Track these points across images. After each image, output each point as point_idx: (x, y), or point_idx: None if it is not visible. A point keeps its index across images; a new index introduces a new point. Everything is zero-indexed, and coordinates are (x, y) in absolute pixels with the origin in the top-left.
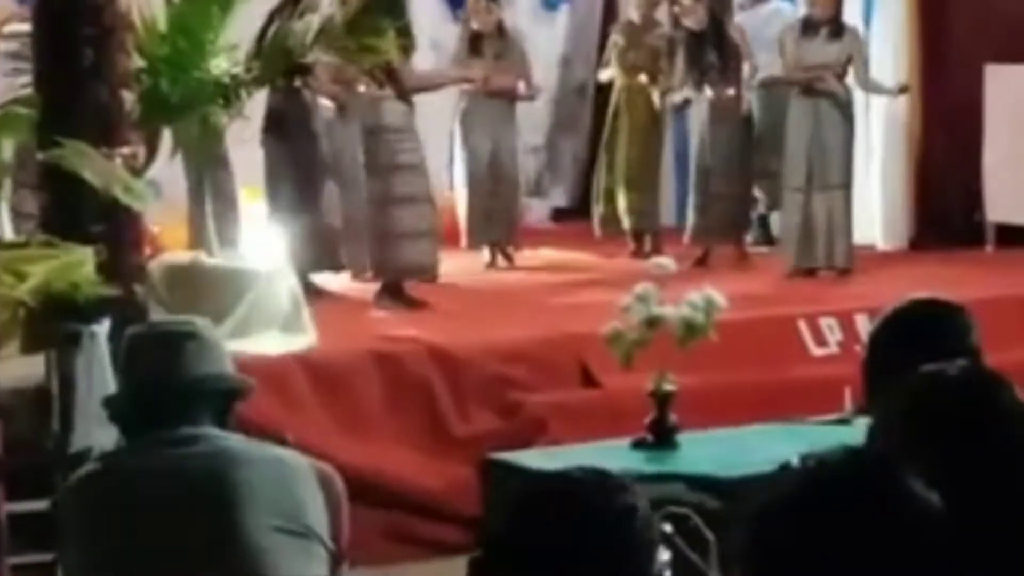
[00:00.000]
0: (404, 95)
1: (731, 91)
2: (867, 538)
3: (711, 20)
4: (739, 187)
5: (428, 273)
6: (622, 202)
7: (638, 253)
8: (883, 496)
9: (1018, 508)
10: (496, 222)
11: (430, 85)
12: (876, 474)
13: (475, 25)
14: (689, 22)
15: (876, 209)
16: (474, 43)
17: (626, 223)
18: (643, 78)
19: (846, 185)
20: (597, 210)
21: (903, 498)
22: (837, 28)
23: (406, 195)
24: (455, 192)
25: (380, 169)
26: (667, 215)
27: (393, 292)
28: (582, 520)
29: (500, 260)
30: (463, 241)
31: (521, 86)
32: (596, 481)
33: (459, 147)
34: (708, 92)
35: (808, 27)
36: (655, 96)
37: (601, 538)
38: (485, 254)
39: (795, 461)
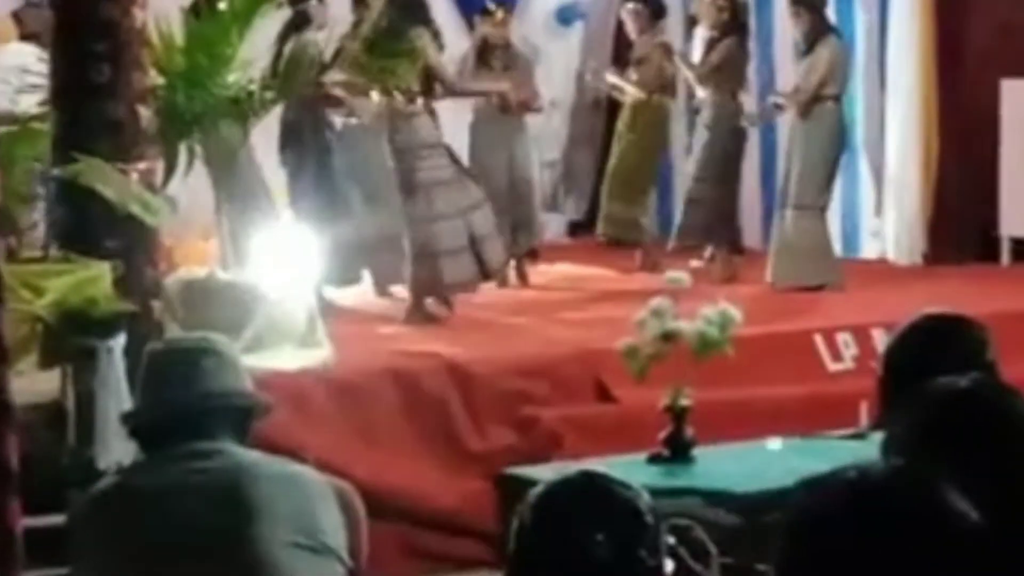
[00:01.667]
0: (452, 94)
1: (732, 97)
2: (914, 552)
3: (721, 30)
4: (721, 193)
5: (471, 287)
6: (604, 209)
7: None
8: (929, 511)
9: None
10: (518, 237)
11: (463, 92)
12: (922, 488)
13: (488, 36)
14: (704, 25)
15: (891, 223)
16: (483, 54)
17: (605, 229)
18: (655, 97)
19: (810, 205)
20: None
21: (947, 513)
22: (810, 45)
23: (444, 211)
24: None
25: (417, 187)
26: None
27: (422, 308)
28: (597, 512)
29: (513, 279)
30: None
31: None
32: (605, 478)
33: (470, 164)
34: (708, 96)
35: (797, 49)
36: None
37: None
38: None
39: (814, 475)
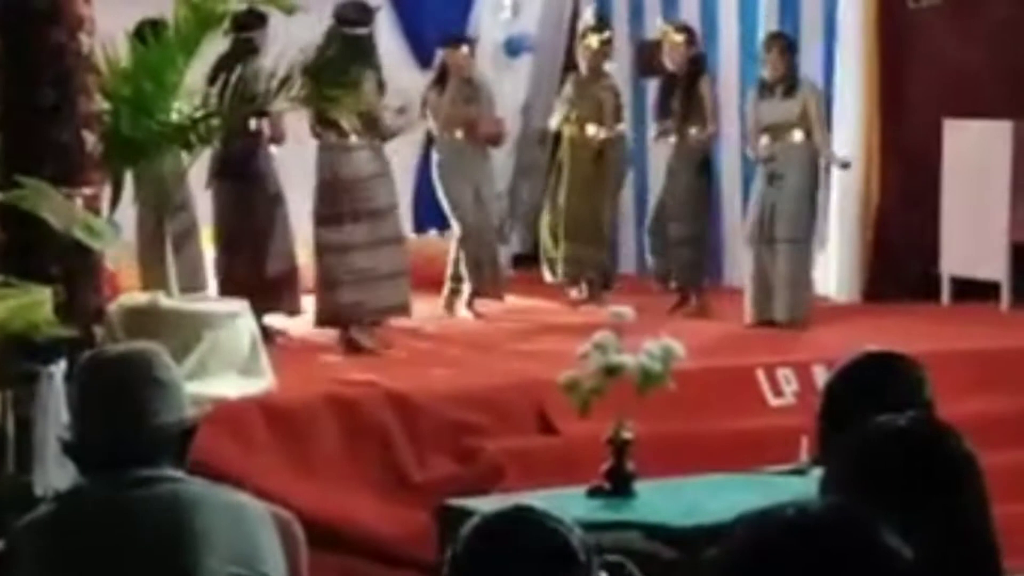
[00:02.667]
0: (386, 140)
1: (693, 133)
2: None
3: (689, 66)
4: (695, 232)
5: (405, 311)
6: (562, 251)
7: (589, 299)
8: (864, 549)
9: (967, 558)
10: (483, 271)
11: (392, 135)
12: (857, 527)
13: (451, 68)
14: (668, 62)
15: (832, 261)
16: (446, 86)
17: (564, 271)
18: (591, 130)
19: (798, 239)
20: (544, 256)
21: (882, 552)
22: (791, 86)
23: (383, 238)
24: (424, 236)
25: (361, 214)
26: (626, 262)
27: (358, 335)
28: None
29: (461, 310)
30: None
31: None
32: (538, 513)
33: (442, 199)
34: (671, 138)
35: (764, 88)
36: (599, 138)
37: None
38: (441, 301)
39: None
